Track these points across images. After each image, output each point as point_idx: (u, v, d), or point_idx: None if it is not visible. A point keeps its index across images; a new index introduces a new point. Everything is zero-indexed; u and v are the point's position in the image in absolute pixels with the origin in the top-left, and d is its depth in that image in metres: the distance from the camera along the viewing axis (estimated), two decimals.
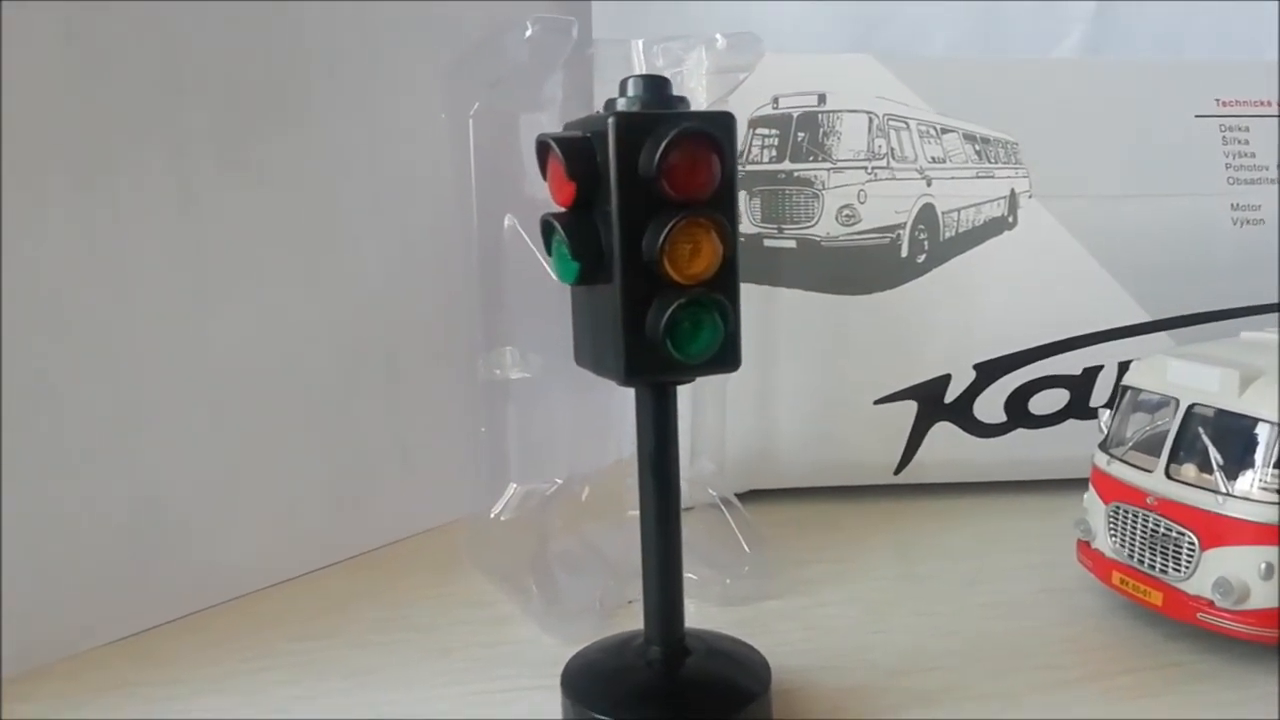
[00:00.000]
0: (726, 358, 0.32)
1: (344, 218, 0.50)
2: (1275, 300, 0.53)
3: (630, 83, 0.31)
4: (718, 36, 0.41)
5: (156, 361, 0.44)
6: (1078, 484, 0.46)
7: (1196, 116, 0.55)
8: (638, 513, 0.50)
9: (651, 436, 0.33)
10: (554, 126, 0.47)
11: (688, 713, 0.34)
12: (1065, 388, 0.55)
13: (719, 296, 0.31)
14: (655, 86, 0.31)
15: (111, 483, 0.43)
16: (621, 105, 0.31)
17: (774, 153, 0.53)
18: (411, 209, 0.52)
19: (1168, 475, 0.40)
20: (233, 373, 0.46)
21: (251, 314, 0.47)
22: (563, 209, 0.31)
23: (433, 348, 0.54)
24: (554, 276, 0.45)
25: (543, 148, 0.31)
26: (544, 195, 0.46)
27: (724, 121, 0.31)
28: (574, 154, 0.30)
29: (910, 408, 0.55)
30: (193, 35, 0.43)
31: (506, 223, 0.45)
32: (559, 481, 0.48)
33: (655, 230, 0.29)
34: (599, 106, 0.32)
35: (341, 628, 0.45)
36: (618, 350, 0.31)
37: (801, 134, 0.53)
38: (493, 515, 0.48)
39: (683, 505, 0.35)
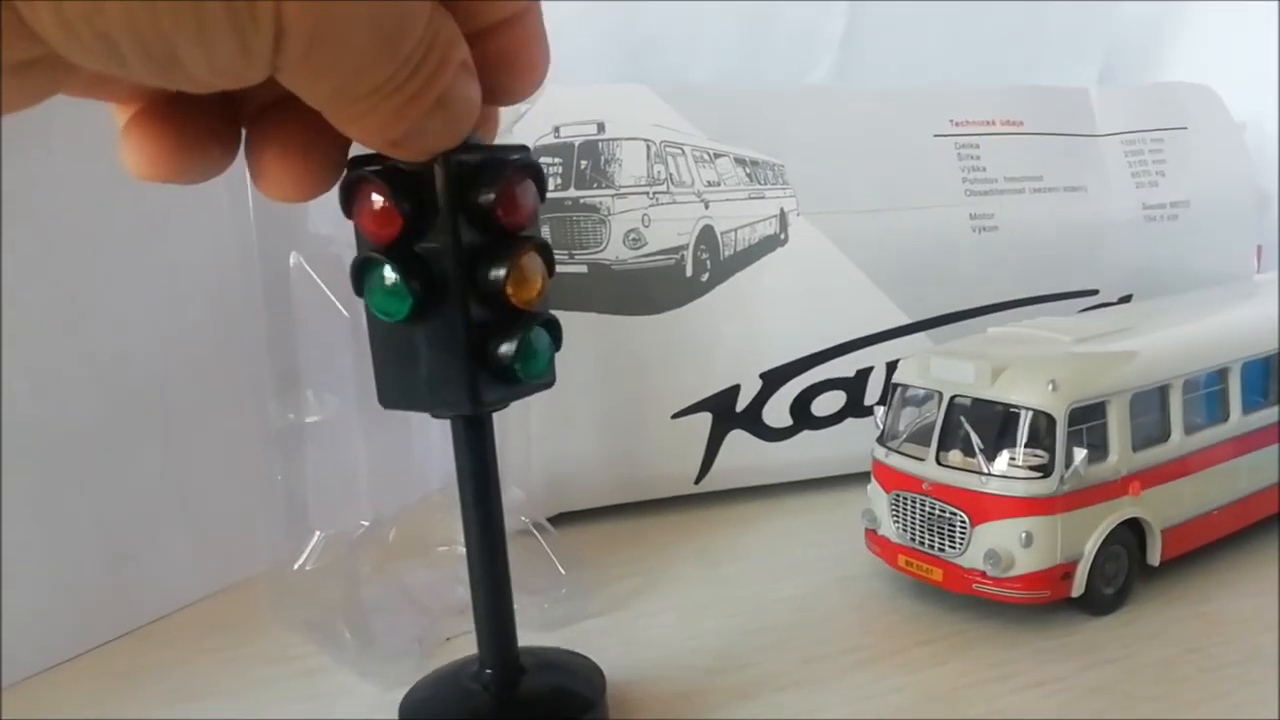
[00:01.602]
0: (548, 375, 0.33)
1: (100, 253, 0.46)
2: (1012, 299, 0.60)
3: None
4: None
5: None
6: (858, 478, 0.50)
7: (935, 136, 0.61)
8: (447, 548, 0.50)
9: (469, 464, 0.33)
10: None
11: None
12: (842, 389, 0.59)
13: (552, 316, 0.32)
14: None
15: None
16: None
17: (559, 180, 0.54)
18: (181, 244, 0.49)
19: (938, 461, 0.44)
20: None
21: None
22: (383, 245, 0.31)
23: (207, 394, 0.51)
24: (346, 315, 0.44)
25: (358, 184, 0.30)
26: (328, 231, 0.45)
27: (532, 153, 0.32)
28: (403, 189, 0.29)
29: (706, 419, 0.58)
30: None
31: (292, 261, 0.43)
32: (365, 524, 0.46)
33: (499, 260, 0.30)
34: None
35: (129, 702, 0.41)
36: (461, 381, 0.30)
37: (584, 162, 0.54)
38: (296, 567, 0.46)
39: None
